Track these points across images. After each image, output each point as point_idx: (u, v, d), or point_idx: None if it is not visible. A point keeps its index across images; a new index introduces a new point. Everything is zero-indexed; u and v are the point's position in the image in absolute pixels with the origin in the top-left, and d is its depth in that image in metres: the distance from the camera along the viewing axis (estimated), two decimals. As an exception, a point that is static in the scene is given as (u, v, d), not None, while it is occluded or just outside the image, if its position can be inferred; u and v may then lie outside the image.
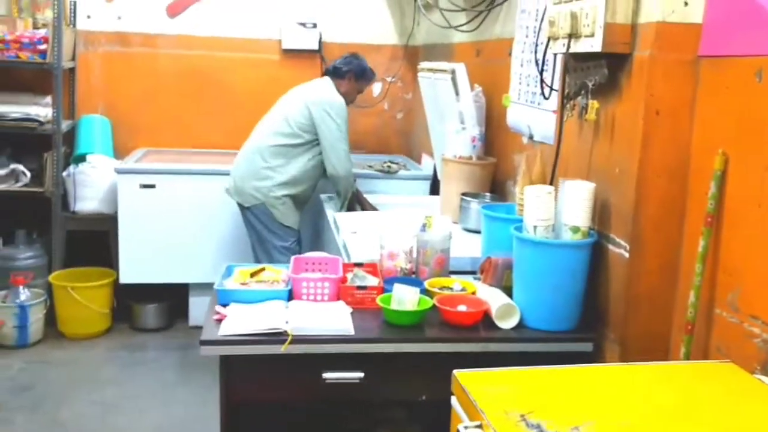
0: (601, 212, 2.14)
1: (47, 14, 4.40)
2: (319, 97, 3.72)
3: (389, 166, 4.37)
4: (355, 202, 3.82)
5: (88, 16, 4.65)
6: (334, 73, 3.85)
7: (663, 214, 1.96)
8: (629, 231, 1.99)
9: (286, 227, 3.77)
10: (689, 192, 1.92)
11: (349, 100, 3.81)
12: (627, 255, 2.00)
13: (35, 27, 4.40)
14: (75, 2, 4.59)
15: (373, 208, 3.76)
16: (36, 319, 4.10)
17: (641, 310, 2.01)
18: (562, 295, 2.12)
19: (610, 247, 2.09)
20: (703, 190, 1.82)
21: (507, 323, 2.15)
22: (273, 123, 3.78)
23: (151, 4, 4.69)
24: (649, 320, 2.01)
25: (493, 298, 2.19)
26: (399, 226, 2.50)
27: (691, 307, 1.81)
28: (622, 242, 2.03)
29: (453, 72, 3.27)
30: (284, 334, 2.02)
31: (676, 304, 1.96)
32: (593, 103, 2.13)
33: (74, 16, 4.60)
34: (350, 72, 3.82)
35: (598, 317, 2.16)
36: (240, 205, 3.83)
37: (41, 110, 4.29)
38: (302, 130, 3.69)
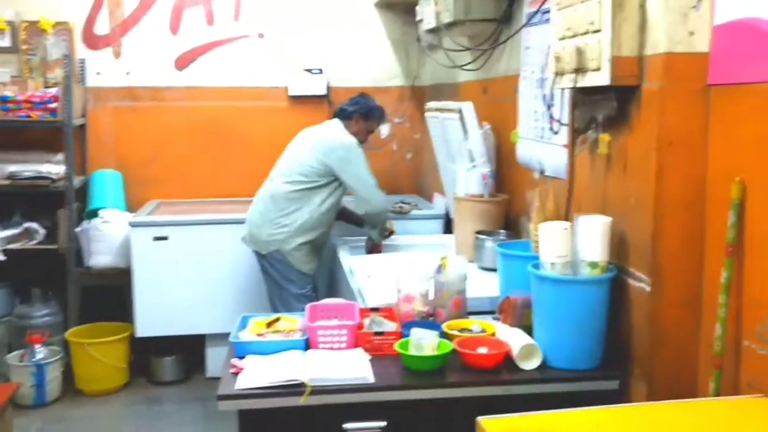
0: (618, 246, 2.10)
1: (57, 73, 4.46)
2: (331, 142, 3.70)
3: (401, 207, 4.35)
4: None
5: (98, 73, 4.71)
6: (342, 114, 3.85)
7: (682, 245, 1.93)
8: (649, 264, 1.96)
9: (303, 274, 3.75)
10: (708, 222, 1.89)
11: (359, 140, 3.80)
12: (648, 289, 1.96)
13: (46, 86, 4.46)
14: (84, 60, 4.66)
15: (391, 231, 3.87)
16: (53, 377, 4.07)
17: (666, 345, 1.96)
18: (584, 332, 2.07)
19: (630, 281, 2.05)
20: (722, 220, 1.78)
21: (529, 364, 2.10)
22: (284, 169, 3.77)
23: (159, 58, 4.75)
24: (675, 355, 1.96)
25: (514, 339, 2.15)
26: (414, 268, 2.47)
27: (717, 341, 1.77)
28: (643, 276, 1.99)
29: (460, 111, 3.27)
30: (303, 385, 1.98)
31: (702, 337, 1.91)
32: (604, 137, 2.12)
33: (83, 74, 4.66)
34: (357, 112, 3.81)
35: (622, 354, 2.11)
36: (257, 253, 3.82)
37: (53, 168, 4.33)
38: (315, 174, 3.68)
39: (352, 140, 3.71)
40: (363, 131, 3.85)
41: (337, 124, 3.82)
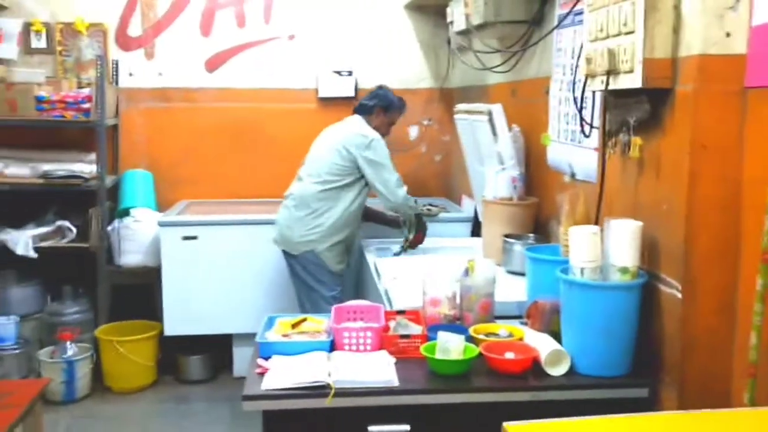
0: (650, 251, 2.06)
1: (91, 74, 4.52)
2: (354, 138, 3.68)
3: (429, 209, 4.32)
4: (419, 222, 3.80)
5: (130, 74, 4.76)
6: (362, 109, 3.84)
7: (716, 251, 1.88)
8: (681, 270, 1.91)
9: (334, 275, 3.75)
10: (743, 228, 1.84)
11: (381, 133, 3.78)
12: (680, 295, 1.92)
13: (80, 87, 4.52)
14: (117, 61, 4.71)
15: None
16: (83, 374, 4.12)
17: (698, 353, 1.92)
18: (614, 338, 2.04)
19: (662, 287, 2.01)
20: (757, 225, 1.73)
21: (557, 370, 2.07)
22: (312, 169, 3.77)
23: (190, 60, 4.79)
24: (707, 363, 1.92)
25: (541, 344, 2.12)
26: (441, 271, 2.45)
27: (752, 349, 1.72)
28: (674, 282, 1.95)
29: (490, 113, 3.24)
30: (327, 386, 1.98)
31: (736, 345, 1.87)
32: (636, 140, 2.08)
33: (117, 75, 4.71)
34: (377, 106, 3.80)
35: (652, 361, 2.07)
36: (287, 254, 3.82)
37: (86, 167, 4.38)
38: (343, 172, 3.68)
39: (375, 134, 3.70)
40: (384, 124, 3.83)
41: (358, 119, 3.81)
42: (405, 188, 3.71)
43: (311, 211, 3.71)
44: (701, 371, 1.92)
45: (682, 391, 1.94)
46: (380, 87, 3.93)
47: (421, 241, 3.77)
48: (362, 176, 3.68)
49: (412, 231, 3.74)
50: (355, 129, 3.75)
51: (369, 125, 3.77)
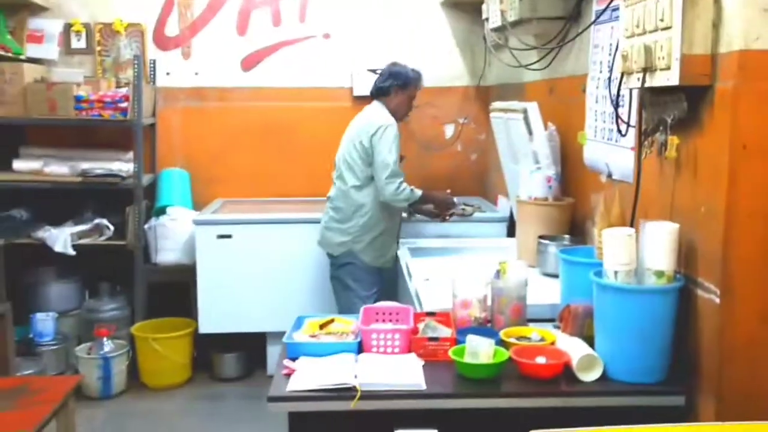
0: (686, 255, 1.99)
1: (129, 73, 4.57)
2: (364, 128, 3.67)
3: (464, 209, 4.27)
4: (423, 206, 3.84)
5: (167, 73, 4.81)
6: (379, 92, 3.79)
7: (757, 256, 1.81)
8: (719, 275, 1.84)
9: (374, 272, 3.74)
10: (786, 231, 1.77)
11: (402, 112, 3.74)
12: (718, 301, 1.85)
13: (118, 86, 4.58)
14: (155, 60, 4.76)
15: (434, 200, 3.84)
16: (119, 370, 4.17)
17: (738, 361, 1.85)
18: (648, 344, 1.97)
19: (699, 292, 1.94)
20: (801, 229, 1.66)
21: (589, 376, 2.02)
22: (337, 170, 3.80)
23: (226, 60, 4.81)
24: (747, 372, 1.84)
25: (573, 349, 2.06)
26: (472, 272, 2.41)
27: (794, 359, 1.65)
28: (712, 287, 1.88)
29: (525, 111, 3.18)
30: (353, 389, 1.95)
31: (778, 354, 1.79)
32: (673, 139, 2.01)
33: (154, 74, 4.76)
34: (393, 85, 3.74)
35: (689, 368, 2.00)
36: (329, 255, 3.84)
37: (123, 165, 4.44)
38: (360, 167, 3.67)
39: (386, 121, 3.64)
40: (404, 102, 3.77)
41: (375, 106, 3.78)
42: (397, 183, 3.58)
43: (342, 211, 3.74)
44: (741, 381, 1.85)
45: (721, 401, 1.87)
46: (393, 64, 3.85)
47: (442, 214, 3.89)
48: None
49: (412, 216, 3.77)
50: (367, 118, 3.72)
51: (387, 108, 3.72)
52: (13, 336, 3.50)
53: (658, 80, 1.93)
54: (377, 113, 3.72)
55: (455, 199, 3.94)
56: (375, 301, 3.60)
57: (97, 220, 4.45)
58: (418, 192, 3.67)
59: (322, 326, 2.32)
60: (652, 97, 2.12)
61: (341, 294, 3.81)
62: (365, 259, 3.71)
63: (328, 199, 3.88)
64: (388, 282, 3.92)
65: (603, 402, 1.98)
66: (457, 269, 2.48)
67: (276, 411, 1.99)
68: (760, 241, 1.80)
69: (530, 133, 3.19)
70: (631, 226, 2.17)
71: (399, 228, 3.84)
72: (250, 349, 4.48)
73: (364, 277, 3.73)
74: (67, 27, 4.68)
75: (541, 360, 2.05)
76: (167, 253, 4.47)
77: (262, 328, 4.34)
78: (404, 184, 3.62)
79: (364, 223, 3.68)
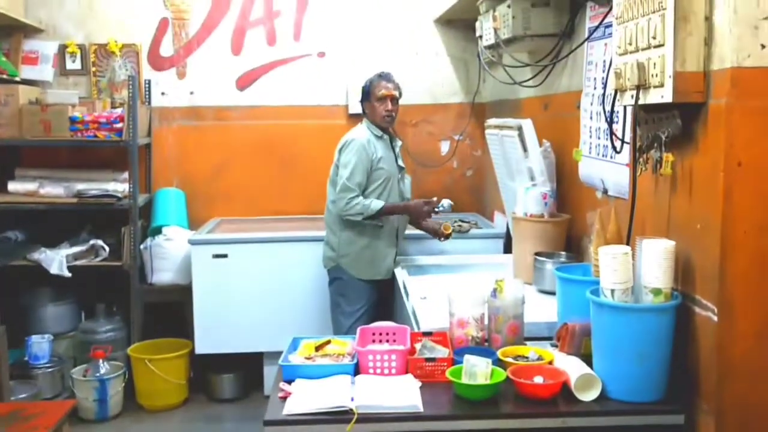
0: (683, 272, 1.98)
1: (124, 94, 4.57)
2: (340, 143, 3.77)
3: (460, 225, 4.27)
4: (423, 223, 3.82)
5: (163, 93, 4.80)
6: (362, 108, 3.86)
7: (754, 272, 1.80)
8: (716, 292, 1.83)
9: (362, 287, 3.72)
10: (782, 248, 1.76)
11: (380, 117, 3.70)
12: (716, 318, 1.84)
13: (113, 106, 4.57)
14: (150, 80, 4.76)
15: (405, 210, 3.75)
16: (115, 392, 4.13)
17: (737, 379, 1.83)
18: (647, 363, 1.96)
19: (697, 309, 1.93)
20: (797, 246, 1.66)
21: (588, 395, 2.00)
22: (327, 185, 3.84)
23: (221, 79, 4.82)
24: (746, 389, 1.83)
25: (571, 368, 2.05)
26: (469, 291, 2.39)
27: (793, 377, 1.64)
28: (709, 304, 1.87)
29: (520, 128, 3.19)
30: (350, 412, 1.93)
31: (777, 372, 1.78)
32: (668, 156, 2.01)
33: (149, 94, 4.76)
34: (362, 102, 3.83)
35: (688, 387, 1.98)
36: (327, 271, 3.89)
37: (119, 186, 4.43)
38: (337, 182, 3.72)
39: (351, 136, 3.71)
40: (374, 109, 3.73)
41: (359, 125, 3.84)
42: (346, 199, 3.59)
43: (328, 226, 3.81)
44: (740, 399, 1.83)
45: (721, 419, 1.85)
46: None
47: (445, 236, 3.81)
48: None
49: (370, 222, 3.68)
50: (345, 136, 3.78)
51: (370, 119, 3.77)
52: (8, 360, 3.47)
53: (652, 97, 1.93)
54: (353, 130, 3.80)
55: (434, 199, 3.84)
56: (364, 317, 3.61)
57: (92, 241, 4.43)
58: (377, 204, 3.61)
59: (318, 348, 2.30)
60: (646, 114, 2.12)
61: (331, 309, 3.87)
62: (352, 272, 3.72)
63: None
64: (384, 298, 3.90)
65: (602, 422, 1.97)
66: (453, 288, 2.47)
67: (272, 435, 1.97)
68: (756, 258, 1.80)
69: (525, 149, 3.19)
70: (628, 243, 2.16)
71: (397, 239, 3.82)
72: (246, 369, 4.44)
73: (350, 293, 3.74)
74: (62, 48, 4.68)
75: (539, 380, 2.03)
76: (163, 273, 4.44)
77: (258, 348, 4.31)
78: (356, 199, 3.61)
79: (346, 236, 3.72)
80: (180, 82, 4.81)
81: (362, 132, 3.72)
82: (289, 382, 2.14)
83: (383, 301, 3.85)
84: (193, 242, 4.24)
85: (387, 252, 3.77)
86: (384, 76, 3.78)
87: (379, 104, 3.71)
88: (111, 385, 4.10)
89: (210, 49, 4.79)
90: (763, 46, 1.74)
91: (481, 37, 3.65)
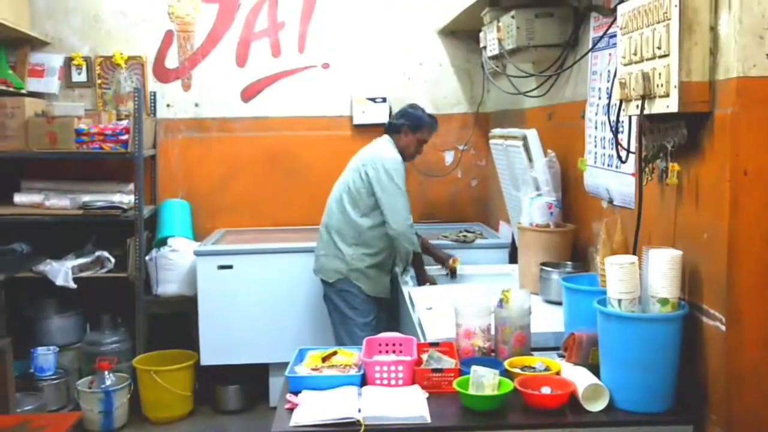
0: (690, 282, 1.98)
1: (129, 106, 4.59)
2: (371, 157, 3.70)
3: (465, 236, 4.27)
4: (414, 269, 3.66)
5: (168, 105, 4.83)
6: (390, 128, 3.83)
7: (762, 281, 1.80)
8: (724, 301, 1.83)
9: (369, 301, 3.73)
10: (790, 257, 1.76)
11: (409, 153, 3.76)
12: (723, 327, 1.84)
13: (119, 118, 4.59)
14: (155, 92, 4.78)
15: (433, 282, 3.62)
16: (121, 404, 4.13)
17: (746, 389, 1.83)
18: (655, 373, 1.95)
19: (704, 319, 1.93)
20: (805, 255, 1.65)
21: (595, 405, 1.99)
22: (339, 194, 3.80)
23: (226, 90, 4.84)
24: (755, 400, 1.82)
25: (579, 379, 2.04)
26: (475, 301, 2.39)
27: (803, 387, 1.63)
28: (717, 314, 1.86)
29: (524, 138, 3.19)
30: (357, 423, 1.93)
31: (786, 381, 1.77)
32: (673, 166, 2.00)
33: (154, 106, 4.78)
34: (404, 125, 3.78)
35: (696, 397, 1.97)
36: (324, 282, 3.83)
37: (124, 197, 4.44)
38: (360, 195, 3.69)
39: (394, 156, 3.68)
40: (413, 143, 3.79)
41: (385, 140, 3.81)
42: (411, 220, 3.64)
43: (339, 237, 3.74)
44: (750, 408, 1.83)
45: (730, 429, 1.84)
46: (411, 105, 3.90)
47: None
48: None
49: (408, 271, 3.63)
50: (376, 150, 3.75)
51: (396, 144, 3.75)
52: (14, 372, 3.47)
53: (658, 107, 1.93)
54: (386, 147, 3.75)
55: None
56: (377, 329, 3.59)
57: (98, 253, 4.44)
58: (418, 246, 3.67)
59: (324, 359, 2.30)
60: (651, 123, 2.12)
61: (339, 323, 3.81)
62: (362, 286, 3.72)
63: (321, 225, 3.88)
64: (388, 310, 3.91)
65: (610, 432, 1.96)
66: (459, 298, 2.46)
67: (279, 447, 1.96)
68: (764, 267, 1.79)
69: (530, 159, 3.19)
70: (634, 253, 2.16)
71: (392, 266, 3.83)
72: (252, 380, 4.44)
73: (361, 306, 3.74)
74: (68, 61, 4.70)
75: (546, 390, 2.03)
76: (168, 284, 4.45)
77: (264, 359, 4.31)
78: (413, 229, 3.66)
79: (359, 249, 3.69)
80: (185, 94, 4.83)
81: (394, 151, 3.72)
82: (296, 393, 2.14)
83: (385, 316, 3.86)
84: (198, 253, 4.24)
85: (384, 275, 3.80)
86: (437, 125, 3.89)
87: (419, 144, 3.81)
88: (116, 396, 4.09)
89: (215, 61, 4.82)
90: (768, 56, 1.75)
91: (485, 47, 3.66)
